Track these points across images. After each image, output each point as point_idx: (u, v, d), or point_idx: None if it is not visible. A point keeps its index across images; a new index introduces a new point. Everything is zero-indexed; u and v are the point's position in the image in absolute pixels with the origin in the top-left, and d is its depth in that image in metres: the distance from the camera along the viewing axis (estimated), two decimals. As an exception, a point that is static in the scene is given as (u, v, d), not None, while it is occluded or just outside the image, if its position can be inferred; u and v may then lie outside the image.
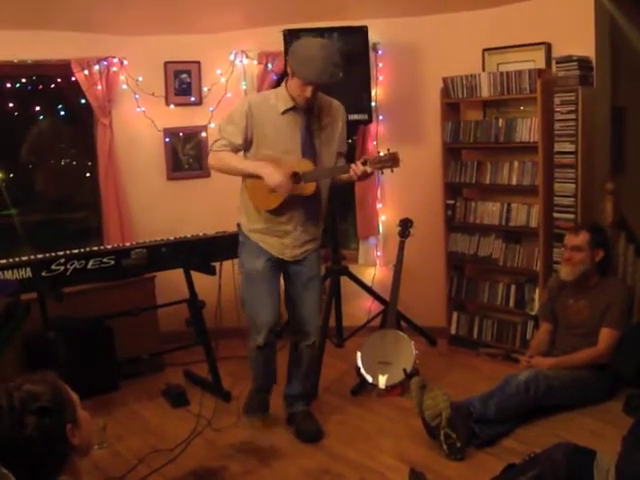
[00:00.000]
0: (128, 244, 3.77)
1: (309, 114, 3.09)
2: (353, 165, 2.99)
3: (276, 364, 3.36)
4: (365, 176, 3.01)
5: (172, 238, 3.82)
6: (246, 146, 3.11)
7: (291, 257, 3.17)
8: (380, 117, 4.60)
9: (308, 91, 2.96)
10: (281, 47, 4.15)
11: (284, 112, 3.06)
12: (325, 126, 3.13)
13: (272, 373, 3.36)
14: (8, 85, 4.47)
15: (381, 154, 3.00)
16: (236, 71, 4.68)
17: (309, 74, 2.90)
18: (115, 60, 4.47)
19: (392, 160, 2.95)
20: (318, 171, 3.06)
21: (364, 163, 2.96)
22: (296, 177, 3.02)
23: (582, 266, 3.47)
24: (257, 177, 3.02)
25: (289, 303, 3.29)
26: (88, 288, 3.83)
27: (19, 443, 1.55)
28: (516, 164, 4.09)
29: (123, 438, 3.32)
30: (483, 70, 4.30)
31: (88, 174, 4.87)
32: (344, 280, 4.43)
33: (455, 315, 4.53)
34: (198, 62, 4.71)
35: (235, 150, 3.10)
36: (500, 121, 4.14)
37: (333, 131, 3.16)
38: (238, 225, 3.25)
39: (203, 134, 4.77)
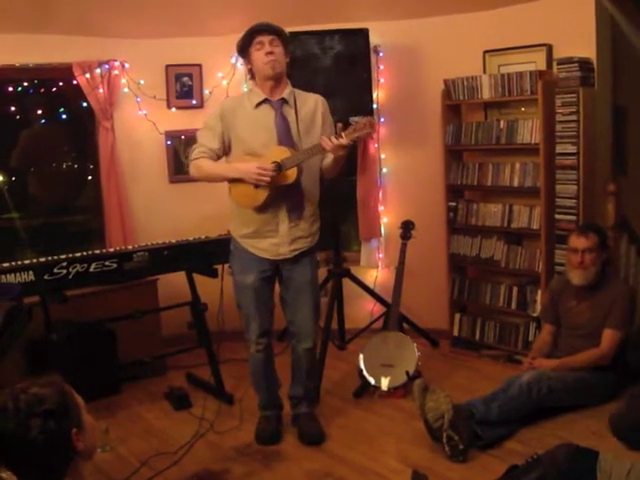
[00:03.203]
0: (130, 247, 3.77)
1: (284, 105, 3.07)
2: (324, 138, 2.90)
3: (275, 370, 3.35)
4: (342, 149, 2.88)
5: (174, 241, 3.82)
6: (225, 151, 3.11)
7: (283, 255, 3.10)
8: (381, 119, 4.61)
9: (266, 47, 3.00)
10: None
11: (257, 105, 3.06)
12: (303, 117, 3.07)
13: (272, 379, 3.35)
14: (10, 89, 4.49)
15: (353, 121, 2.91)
16: (237, 74, 4.66)
17: (249, 29, 3.05)
18: (117, 63, 4.48)
19: (368, 126, 2.83)
20: (296, 155, 2.96)
21: (339, 136, 2.86)
22: (276, 166, 2.97)
23: (594, 268, 3.45)
24: (238, 180, 3.01)
25: (284, 307, 3.27)
26: (90, 291, 3.84)
27: (24, 446, 1.55)
28: (518, 166, 4.09)
29: (126, 441, 3.32)
30: (484, 72, 4.30)
31: (90, 177, 4.88)
32: (346, 282, 4.44)
33: (457, 317, 4.53)
34: (199, 65, 4.71)
35: (214, 156, 3.09)
36: (501, 123, 4.14)
37: (313, 121, 3.10)
38: (229, 232, 3.23)
39: (205, 137, 4.77)
